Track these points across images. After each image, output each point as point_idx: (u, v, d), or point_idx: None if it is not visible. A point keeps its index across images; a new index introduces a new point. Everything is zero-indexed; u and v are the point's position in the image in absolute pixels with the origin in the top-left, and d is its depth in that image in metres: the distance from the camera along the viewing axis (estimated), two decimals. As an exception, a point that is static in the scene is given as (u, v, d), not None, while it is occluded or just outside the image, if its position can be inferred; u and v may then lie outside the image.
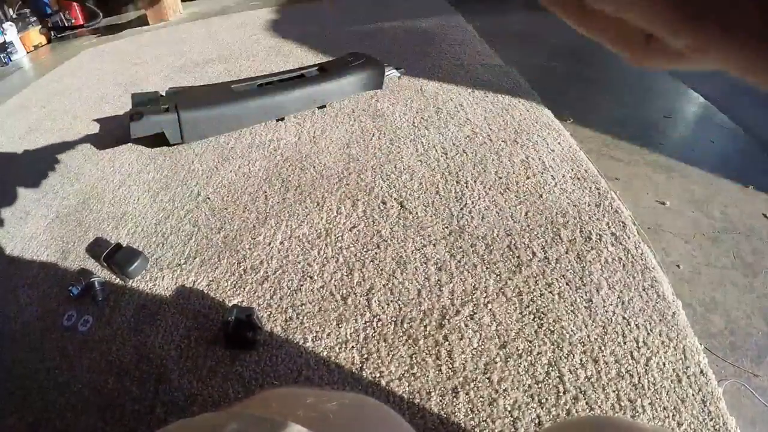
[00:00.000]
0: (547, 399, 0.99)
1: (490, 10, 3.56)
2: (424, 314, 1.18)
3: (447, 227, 1.42)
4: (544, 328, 1.12)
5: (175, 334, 1.21)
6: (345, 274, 1.31)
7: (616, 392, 0.99)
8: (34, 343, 1.25)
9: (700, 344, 1.08)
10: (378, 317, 1.18)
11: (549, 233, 1.37)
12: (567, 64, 2.62)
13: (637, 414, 0.96)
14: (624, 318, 1.13)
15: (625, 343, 1.08)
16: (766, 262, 1.36)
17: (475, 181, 1.59)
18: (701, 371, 1.02)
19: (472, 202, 1.50)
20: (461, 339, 1.11)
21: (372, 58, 2.30)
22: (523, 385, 1.01)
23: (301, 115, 2.11)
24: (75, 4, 4.39)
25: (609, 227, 1.38)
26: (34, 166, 2.04)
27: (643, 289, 1.19)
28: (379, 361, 1.09)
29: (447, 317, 1.16)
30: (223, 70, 2.77)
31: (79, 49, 3.68)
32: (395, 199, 1.55)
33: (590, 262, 1.27)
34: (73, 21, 4.39)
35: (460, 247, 1.35)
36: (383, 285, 1.26)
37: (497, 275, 1.26)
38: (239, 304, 1.26)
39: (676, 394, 0.98)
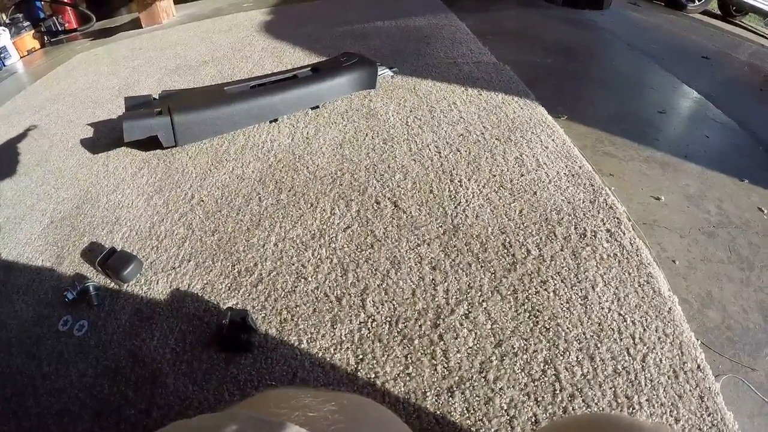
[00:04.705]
0: (543, 397, 0.98)
1: (483, 8, 3.56)
2: (419, 314, 1.17)
3: (441, 226, 1.42)
4: (539, 326, 1.11)
5: (170, 337, 1.20)
6: (339, 274, 1.31)
7: (613, 389, 0.99)
8: (29, 349, 1.24)
9: (697, 339, 1.07)
10: (373, 317, 1.18)
11: (544, 230, 1.37)
12: (560, 61, 2.62)
13: (634, 411, 0.95)
14: (620, 314, 1.13)
15: (621, 339, 1.07)
16: (762, 256, 1.36)
17: (468, 180, 1.59)
18: (698, 366, 1.01)
19: (466, 201, 1.50)
20: (456, 338, 1.11)
21: (365, 58, 2.30)
22: (519, 384, 1.01)
23: (294, 116, 2.10)
24: (68, 8, 4.38)
25: (604, 223, 1.38)
26: (29, 171, 2.03)
27: (639, 285, 1.19)
28: (374, 361, 1.08)
29: (442, 316, 1.16)
30: (216, 72, 2.76)
31: (72, 53, 3.66)
32: (389, 198, 1.55)
33: (585, 258, 1.27)
34: (66, 25, 4.38)
35: (455, 246, 1.35)
36: (377, 285, 1.26)
37: (492, 273, 1.26)
38: (234, 306, 1.25)
39: (673, 390, 0.98)
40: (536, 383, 1.01)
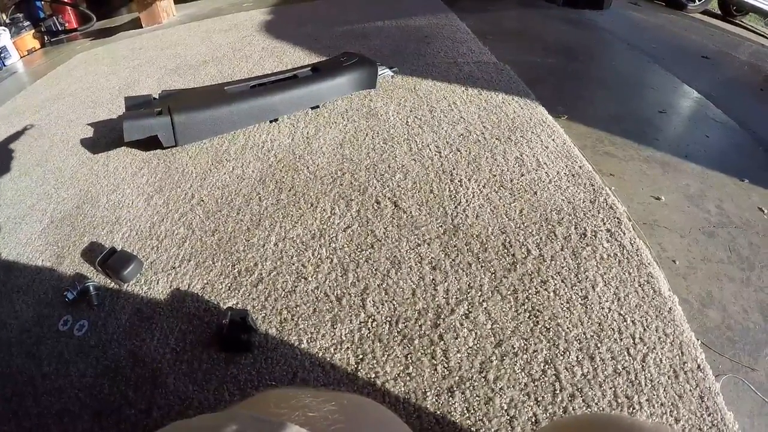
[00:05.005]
0: (543, 397, 0.98)
1: (483, 8, 3.56)
2: (419, 314, 1.17)
3: (441, 226, 1.42)
4: (539, 326, 1.11)
5: (170, 337, 1.20)
6: (339, 274, 1.31)
7: (613, 389, 0.99)
8: (29, 349, 1.24)
9: (697, 339, 1.07)
10: (373, 317, 1.18)
11: (544, 230, 1.37)
12: (560, 61, 2.61)
13: (634, 411, 0.95)
14: (620, 314, 1.13)
15: (621, 339, 1.07)
16: (763, 256, 1.36)
17: (469, 180, 1.59)
18: (698, 366, 1.01)
19: (467, 201, 1.50)
20: (456, 338, 1.11)
21: (365, 58, 2.30)
22: (519, 384, 1.01)
23: (294, 115, 2.10)
24: (68, 8, 4.38)
25: (604, 223, 1.37)
26: (29, 171, 2.03)
27: (639, 285, 1.19)
28: (375, 361, 1.08)
29: (442, 316, 1.16)
30: (217, 72, 2.76)
31: (72, 53, 3.66)
32: (389, 198, 1.55)
33: (585, 258, 1.27)
34: (66, 25, 4.38)
35: (455, 246, 1.35)
36: (378, 285, 1.26)
37: (492, 273, 1.25)
38: (234, 306, 1.25)
39: (673, 390, 0.98)
40: (536, 383, 1.01)
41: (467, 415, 0.97)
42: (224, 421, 0.33)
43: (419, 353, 1.09)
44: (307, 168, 1.75)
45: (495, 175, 1.60)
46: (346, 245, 1.39)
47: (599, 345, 1.06)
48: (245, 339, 1.14)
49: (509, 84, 2.21)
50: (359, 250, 1.37)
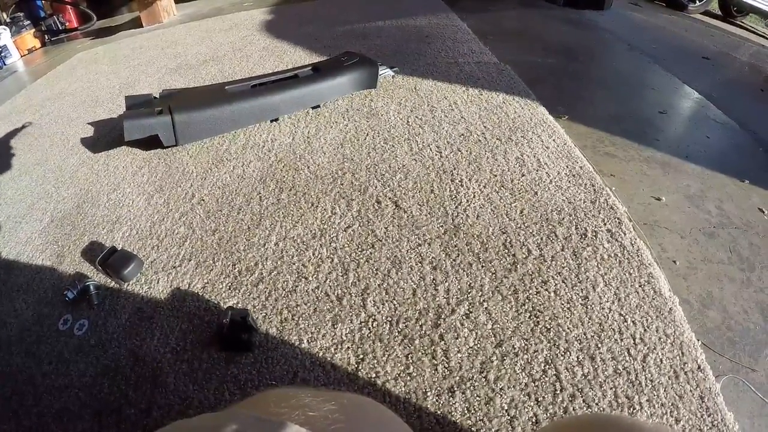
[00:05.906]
0: (544, 397, 0.98)
1: (484, 8, 3.56)
2: (420, 314, 1.17)
3: (442, 226, 1.42)
4: (540, 326, 1.11)
5: (171, 336, 1.20)
6: (340, 274, 1.31)
7: (614, 389, 0.98)
8: (29, 348, 1.24)
9: (698, 340, 1.07)
10: (373, 317, 1.18)
11: (544, 230, 1.37)
12: (561, 61, 2.62)
13: (634, 411, 0.95)
14: (620, 315, 1.12)
15: (621, 339, 1.07)
16: (763, 256, 1.36)
17: (469, 180, 1.59)
18: (699, 367, 1.01)
19: (467, 201, 1.50)
20: (457, 338, 1.11)
21: (366, 58, 2.30)
22: (520, 384, 1.01)
23: (295, 115, 2.10)
24: (69, 7, 4.38)
25: (605, 224, 1.37)
26: (29, 170, 2.03)
27: (640, 286, 1.19)
28: (375, 361, 1.08)
29: (442, 316, 1.16)
30: (217, 72, 2.76)
31: (73, 53, 3.66)
32: (390, 198, 1.55)
33: (586, 259, 1.27)
34: (66, 24, 4.38)
35: (456, 246, 1.35)
36: (378, 285, 1.26)
37: (493, 273, 1.25)
38: (234, 306, 1.25)
39: (673, 390, 0.98)
40: (537, 383, 1.01)
41: (468, 415, 0.97)
42: (224, 421, 0.33)
43: (420, 353, 1.09)
44: (308, 167, 1.75)
45: (496, 175, 1.60)
46: (346, 245, 1.39)
47: (600, 345, 1.06)
48: (246, 338, 1.14)
49: (510, 84, 2.21)
50: (360, 249, 1.37)
